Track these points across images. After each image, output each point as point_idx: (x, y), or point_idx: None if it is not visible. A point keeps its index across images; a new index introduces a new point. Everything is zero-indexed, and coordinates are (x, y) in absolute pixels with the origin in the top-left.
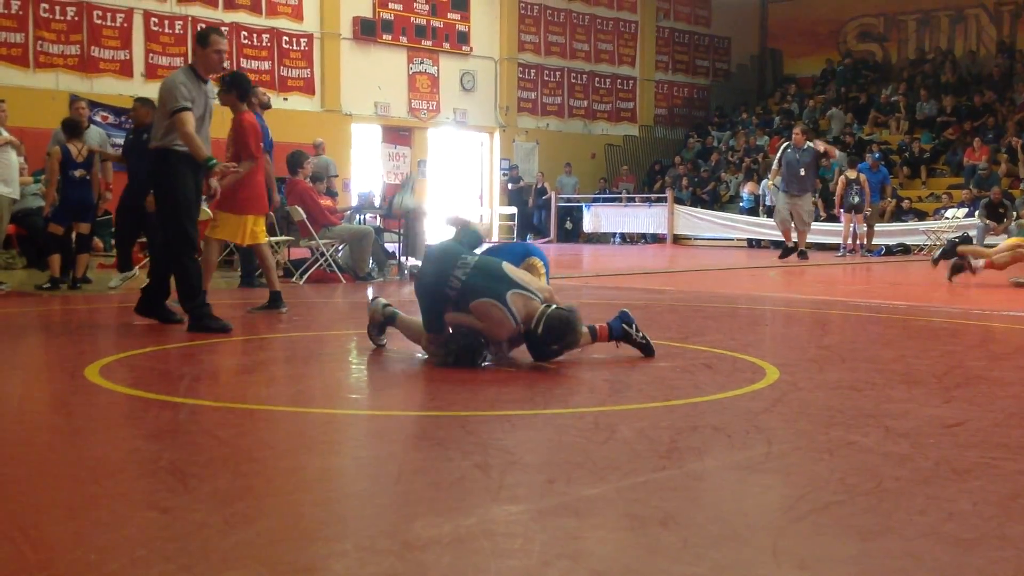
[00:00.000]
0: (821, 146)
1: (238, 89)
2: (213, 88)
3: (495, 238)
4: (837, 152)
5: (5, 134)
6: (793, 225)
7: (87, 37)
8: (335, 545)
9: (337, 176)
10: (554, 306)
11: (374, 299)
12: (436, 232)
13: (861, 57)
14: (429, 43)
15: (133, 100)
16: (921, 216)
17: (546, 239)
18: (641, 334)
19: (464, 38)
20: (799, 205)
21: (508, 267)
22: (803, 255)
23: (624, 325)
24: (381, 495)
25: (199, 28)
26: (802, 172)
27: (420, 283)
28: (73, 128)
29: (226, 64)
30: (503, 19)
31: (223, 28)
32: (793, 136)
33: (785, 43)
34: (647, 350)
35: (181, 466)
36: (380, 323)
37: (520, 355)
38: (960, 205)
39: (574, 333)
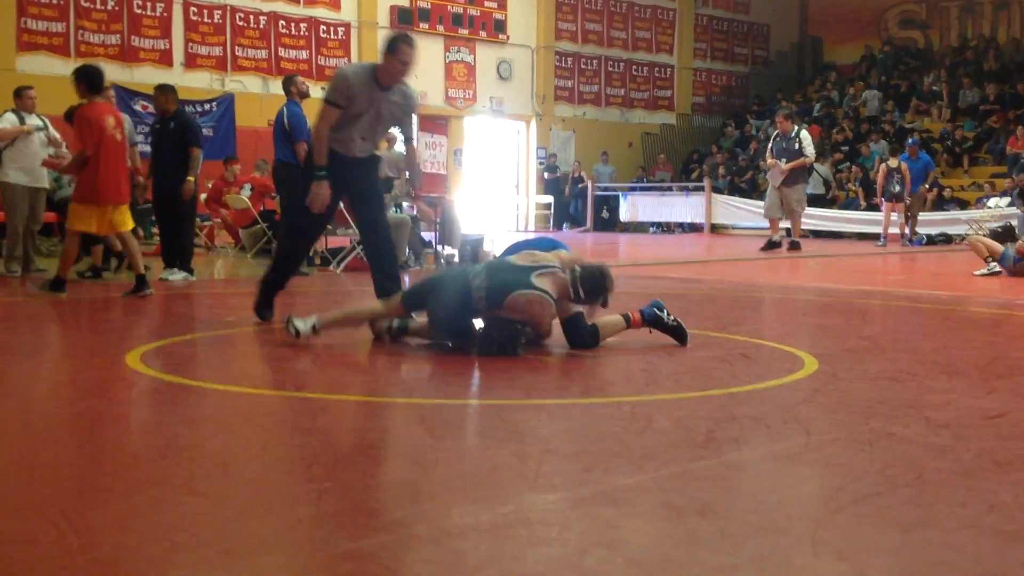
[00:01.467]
0: (785, 166)
1: (85, 81)
2: (400, 94)
3: (531, 227)
4: (809, 159)
5: (32, 121)
6: (783, 215)
7: (127, 26)
8: (373, 532)
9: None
10: (578, 268)
11: (389, 327)
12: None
13: (903, 44)
14: (466, 32)
15: (154, 88)
16: (963, 205)
17: (583, 228)
18: (672, 317)
19: (501, 26)
20: (787, 194)
21: (514, 258)
22: (795, 245)
23: (655, 310)
24: (419, 482)
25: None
26: (784, 161)
27: (440, 318)
28: None
29: (402, 74)
30: (540, 7)
31: (410, 37)
32: (778, 123)
33: (825, 30)
34: (679, 334)
35: (220, 452)
36: (392, 335)
37: (555, 343)
38: (1003, 194)
39: (611, 279)
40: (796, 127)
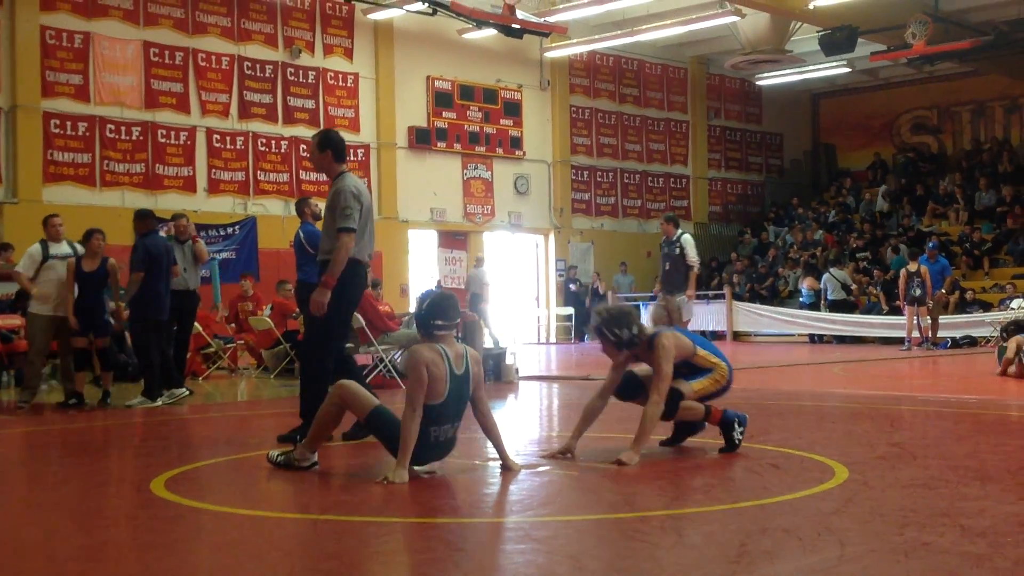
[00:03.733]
0: (689, 291)
1: None
2: (339, 185)
3: (552, 339)
4: (692, 267)
5: (60, 250)
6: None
7: (152, 155)
8: None
9: (489, 285)
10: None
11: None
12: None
13: (916, 149)
14: (483, 149)
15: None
16: (986, 307)
17: None
18: (740, 439)
19: (517, 143)
20: (669, 303)
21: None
22: None
23: (736, 422)
24: None
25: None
26: (667, 266)
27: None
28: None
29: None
30: (555, 123)
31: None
32: (661, 227)
33: (838, 137)
34: (731, 447)
35: None
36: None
37: (583, 460)
38: None
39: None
40: (679, 231)
